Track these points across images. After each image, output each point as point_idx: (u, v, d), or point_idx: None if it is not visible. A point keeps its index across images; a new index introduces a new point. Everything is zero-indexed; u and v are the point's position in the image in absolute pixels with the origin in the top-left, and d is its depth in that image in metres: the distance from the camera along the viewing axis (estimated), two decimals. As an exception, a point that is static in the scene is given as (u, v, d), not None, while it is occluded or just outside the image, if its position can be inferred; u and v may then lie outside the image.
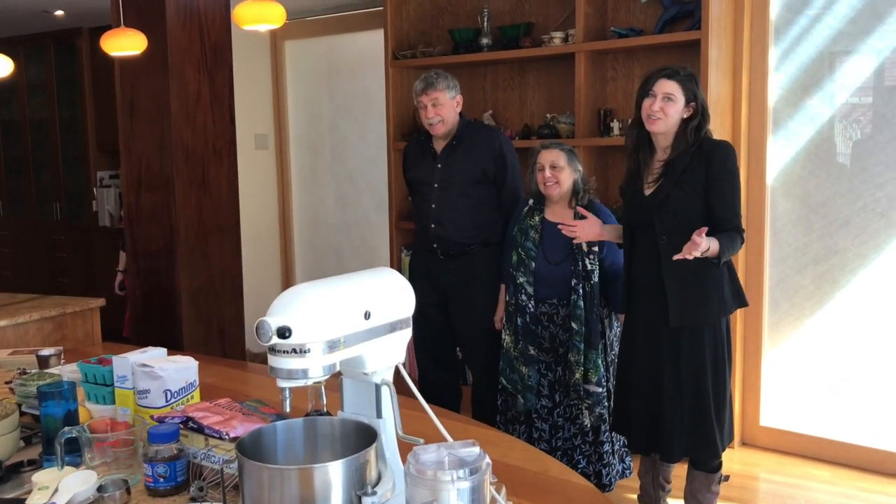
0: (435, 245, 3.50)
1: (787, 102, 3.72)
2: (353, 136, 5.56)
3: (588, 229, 2.92)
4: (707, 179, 2.64)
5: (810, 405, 3.78)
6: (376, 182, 5.32)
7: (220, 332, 3.94)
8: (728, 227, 2.62)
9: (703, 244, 2.47)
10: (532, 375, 3.21)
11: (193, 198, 3.79)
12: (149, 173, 3.79)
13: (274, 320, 1.23)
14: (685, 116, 2.68)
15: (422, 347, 3.67)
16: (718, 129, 3.44)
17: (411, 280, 4.16)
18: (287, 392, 1.31)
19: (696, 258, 2.57)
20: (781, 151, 3.75)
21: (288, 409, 1.32)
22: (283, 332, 1.22)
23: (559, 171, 3.17)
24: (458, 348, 3.70)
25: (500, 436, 2.11)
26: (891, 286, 3.52)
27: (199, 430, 1.59)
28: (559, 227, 2.96)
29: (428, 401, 1.60)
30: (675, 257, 2.52)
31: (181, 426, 1.61)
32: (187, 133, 3.74)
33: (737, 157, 2.72)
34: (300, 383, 1.26)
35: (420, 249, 3.65)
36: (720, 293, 2.68)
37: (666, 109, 2.65)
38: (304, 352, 1.24)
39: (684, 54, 3.63)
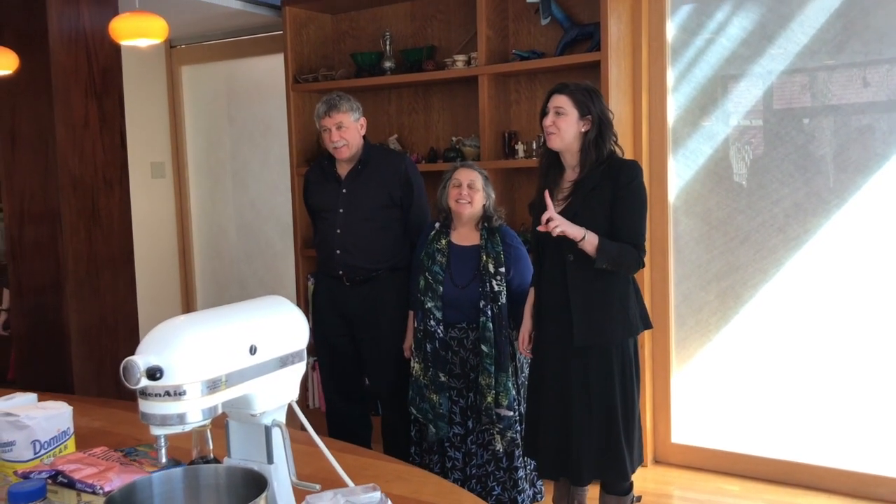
0: (341, 272, 3.39)
1: (685, 122, 3.78)
2: (255, 163, 5.39)
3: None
4: (613, 197, 2.63)
5: (719, 420, 3.82)
6: (280, 210, 5.17)
7: (113, 371, 3.71)
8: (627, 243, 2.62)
9: (557, 220, 2.52)
10: (443, 403, 3.13)
11: (83, 230, 3.60)
12: (33, 204, 3.57)
13: (143, 359, 1.10)
14: (584, 130, 2.67)
15: (329, 379, 3.54)
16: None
17: (316, 309, 3.94)
18: (163, 440, 1.17)
19: (601, 277, 2.56)
20: (682, 170, 3.80)
21: (164, 460, 1.19)
22: (154, 373, 1.09)
23: (475, 192, 3.15)
24: (366, 378, 3.58)
25: (411, 470, 2.00)
26: (791, 299, 3.60)
27: (71, 484, 1.44)
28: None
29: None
30: (540, 228, 2.54)
31: (49, 481, 1.45)
32: (74, 161, 3.55)
33: (643, 177, 2.72)
34: (176, 430, 1.13)
35: (325, 277, 3.52)
36: (625, 314, 2.66)
37: (558, 123, 2.65)
38: (180, 394, 1.11)
39: (585, 76, 3.64)
